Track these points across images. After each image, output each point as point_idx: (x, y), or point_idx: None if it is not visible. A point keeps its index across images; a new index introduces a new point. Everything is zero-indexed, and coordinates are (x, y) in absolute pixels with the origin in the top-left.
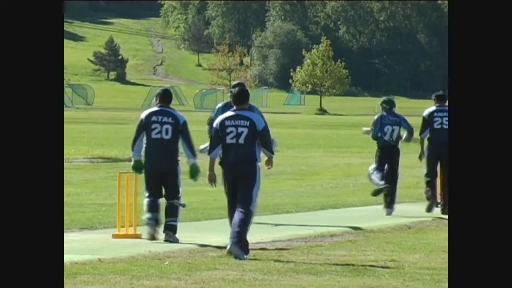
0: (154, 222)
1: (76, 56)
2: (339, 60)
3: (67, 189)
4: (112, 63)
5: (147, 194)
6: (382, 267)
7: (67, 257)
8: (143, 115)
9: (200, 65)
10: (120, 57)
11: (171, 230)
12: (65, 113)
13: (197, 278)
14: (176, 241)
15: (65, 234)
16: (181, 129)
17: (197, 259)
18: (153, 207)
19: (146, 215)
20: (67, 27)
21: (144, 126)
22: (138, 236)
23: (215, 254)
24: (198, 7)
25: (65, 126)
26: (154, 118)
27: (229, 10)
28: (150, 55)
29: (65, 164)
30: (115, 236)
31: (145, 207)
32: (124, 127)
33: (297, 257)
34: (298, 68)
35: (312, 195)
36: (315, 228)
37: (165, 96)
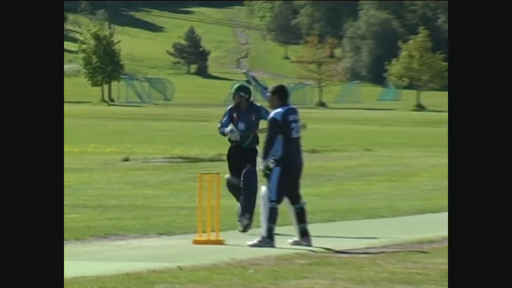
0: None
1: (154, 48)
2: (438, 52)
3: (144, 191)
4: (192, 55)
5: None
6: None
7: (144, 265)
8: None
9: (287, 58)
10: (201, 49)
11: None
12: (142, 109)
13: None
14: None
15: (142, 239)
16: None
17: (285, 267)
18: None
19: None
20: (144, 17)
21: None
22: (220, 242)
23: (303, 261)
24: None
25: (142, 123)
26: None
27: None
28: (233, 47)
29: (142, 164)
30: (196, 242)
31: None
32: (206, 124)
33: (393, 265)
34: (393, 61)
35: (408, 198)
36: (412, 233)
37: None
